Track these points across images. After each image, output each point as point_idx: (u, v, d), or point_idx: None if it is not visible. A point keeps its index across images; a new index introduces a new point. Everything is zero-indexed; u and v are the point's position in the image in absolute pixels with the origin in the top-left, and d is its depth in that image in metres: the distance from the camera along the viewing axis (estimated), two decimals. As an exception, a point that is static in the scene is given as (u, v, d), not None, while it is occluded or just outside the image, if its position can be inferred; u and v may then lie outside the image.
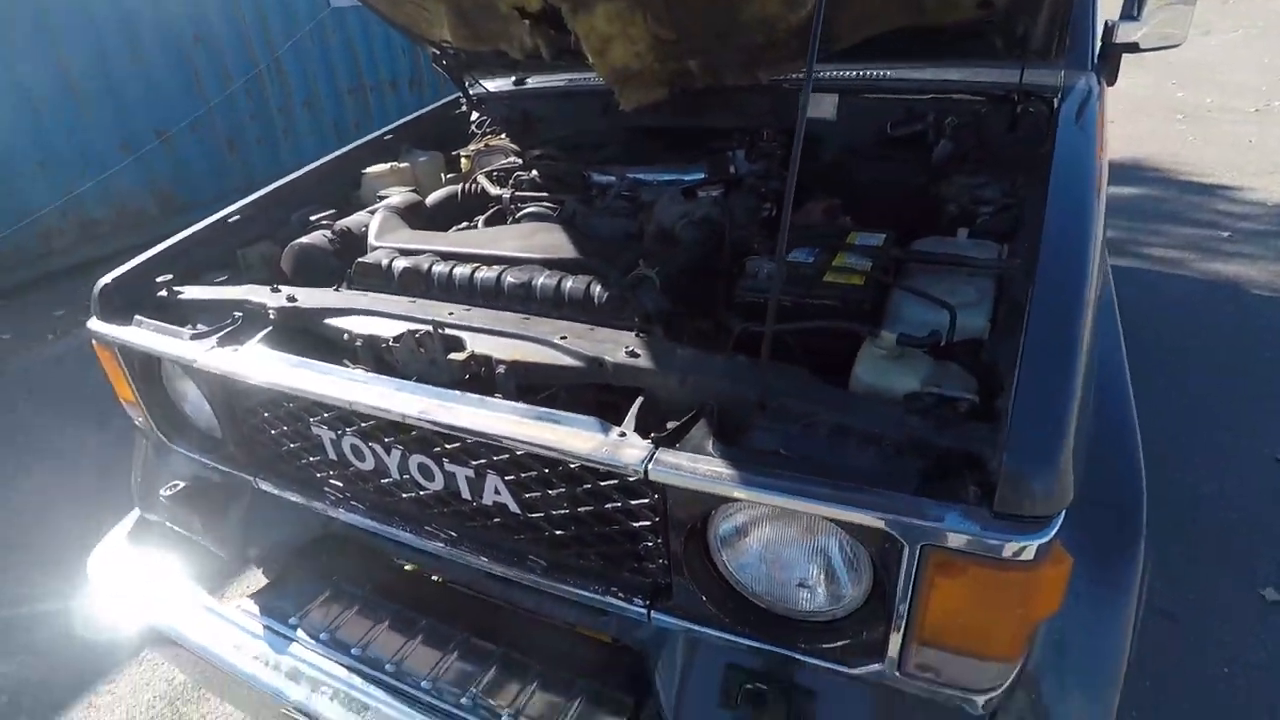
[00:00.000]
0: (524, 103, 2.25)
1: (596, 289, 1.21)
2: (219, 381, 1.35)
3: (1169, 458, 2.59)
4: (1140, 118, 7.32)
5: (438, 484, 1.17)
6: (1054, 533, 0.76)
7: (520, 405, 1.04)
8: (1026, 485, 0.76)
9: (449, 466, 1.14)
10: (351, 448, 1.24)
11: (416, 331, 1.16)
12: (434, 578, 1.54)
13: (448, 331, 1.17)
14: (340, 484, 1.34)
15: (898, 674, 0.90)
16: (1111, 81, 2.01)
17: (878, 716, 0.97)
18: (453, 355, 1.13)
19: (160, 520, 1.67)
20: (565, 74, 2.20)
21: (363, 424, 1.20)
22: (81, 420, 3.60)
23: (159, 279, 1.52)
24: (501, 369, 1.12)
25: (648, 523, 1.02)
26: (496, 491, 1.12)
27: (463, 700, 1.24)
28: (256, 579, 1.88)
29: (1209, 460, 2.61)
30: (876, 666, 0.91)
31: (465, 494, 1.15)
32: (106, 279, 1.53)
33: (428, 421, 1.07)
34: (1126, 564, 0.92)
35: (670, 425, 0.97)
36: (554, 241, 1.40)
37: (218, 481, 1.54)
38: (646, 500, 0.99)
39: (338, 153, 2.03)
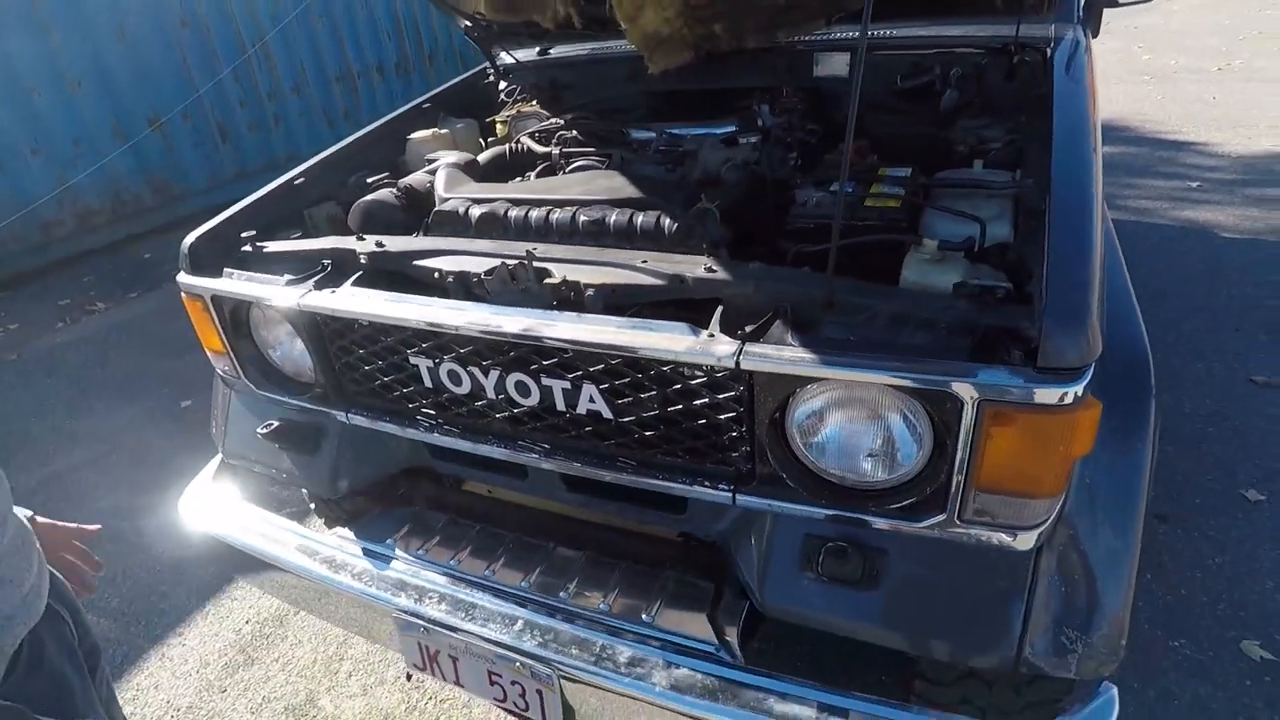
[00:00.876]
0: (551, 71, 2.38)
1: (666, 221, 1.36)
2: (316, 322, 1.48)
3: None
4: (1111, 80, 7.55)
5: (533, 399, 1.32)
6: (1087, 380, 0.93)
7: (616, 318, 1.20)
8: (1064, 343, 0.93)
9: (546, 381, 1.29)
10: (449, 373, 1.38)
11: (509, 263, 1.31)
12: (511, 500, 1.71)
13: (536, 263, 1.31)
14: (434, 411, 1.48)
15: (958, 521, 1.08)
16: (1095, 33, 2.20)
17: (936, 564, 1.14)
18: (547, 281, 1.27)
19: (245, 464, 1.80)
20: (590, 43, 2.33)
21: (461, 349, 1.34)
22: (113, 397, 3.70)
23: (243, 234, 1.64)
24: (590, 291, 1.27)
25: (733, 414, 1.18)
26: (591, 400, 1.27)
27: (560, 594, 1.40)
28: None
29: (1191, 383, 2.84)
30: (939, 518, 1.09)
31: (560, 406, 1.30)
32: (192, 236, 1.64)
33: (531, 338, 1.22)
34: (1140, 414, 1.10)
35: (749, 328, 1.13)
36: (615, 185, 1.55)
37: (306, 422, 1.67)
38: (733, 393, 1.15)
39: (382, 120, 2.15)
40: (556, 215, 1.44)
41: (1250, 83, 7.17)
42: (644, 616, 1.33)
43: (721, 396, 1.17)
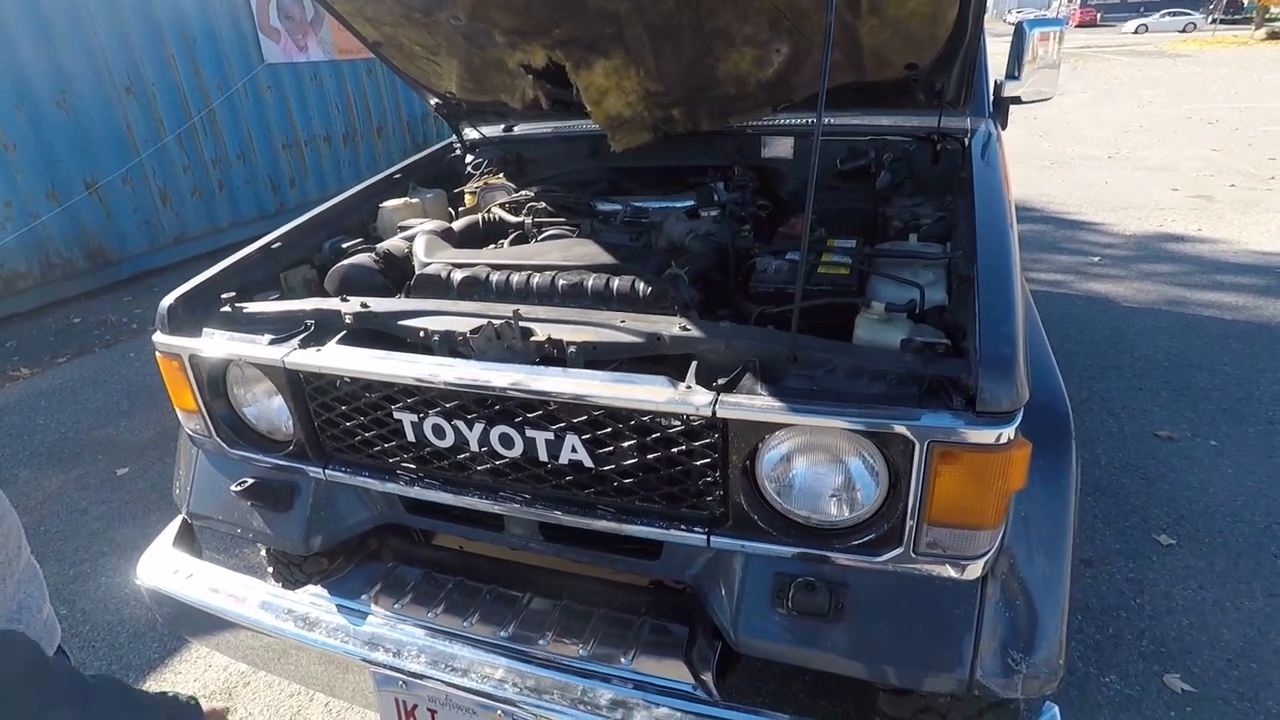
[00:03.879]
0: (517, 146, 2.53)
1: (640, 285, 1.48)
2: (299, 380, 1.53)
3: (1071, 439, 3.07)
4: (1016, 166, 8.29)
5: (516, 450, 1.39)
6: (1018, 422, 1.08)
7: (600, 372, 1.30)
8: (997, 389, 1.08)
9: (530, 433, 1.37)
10: (433, 427, 1.44)
11: (495, 322, 1.40)
12: (484, 554, 1.74)
13: (521, 323, 1.41)
14: (414, 465, 1.53)
15: (913, 555, 1.19)
16: (1004, 125, 2.51)
17: (894, 596, 1.25)
18: (531, 339, 1.37)
19: (211, 524, 1.78)
20: (553, 121, 2.50)
21: (446, 404, 1.41)
22: (42, 465, 3.53)
23: (223, 295, 1.68)
24: (573, 348, 1.37)
25: (708, 460, 1.28)
26: (573, 450, 1.35)
27: (539, 642, 1.44)
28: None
29: (1104, 437, 3.10)
30: (897, 551, 1.20)
31: (543, 456, 1.38)
32: (170, 297, 1.67)
33: (520, 391, 1.31)
34: (1064, 453, 1.25)
35: (722, 380, 1.25)
36: (590, 252, 1.67)
37: (279, 479, 1.68)
38: (708, 440, 1.26)
39: (356, 189, 2.24)
40: (537, 279, 1.55)
41: (1137, 170, 8.02)
42: (622, 661, 1.38)
43: (697, 444, 1.27)
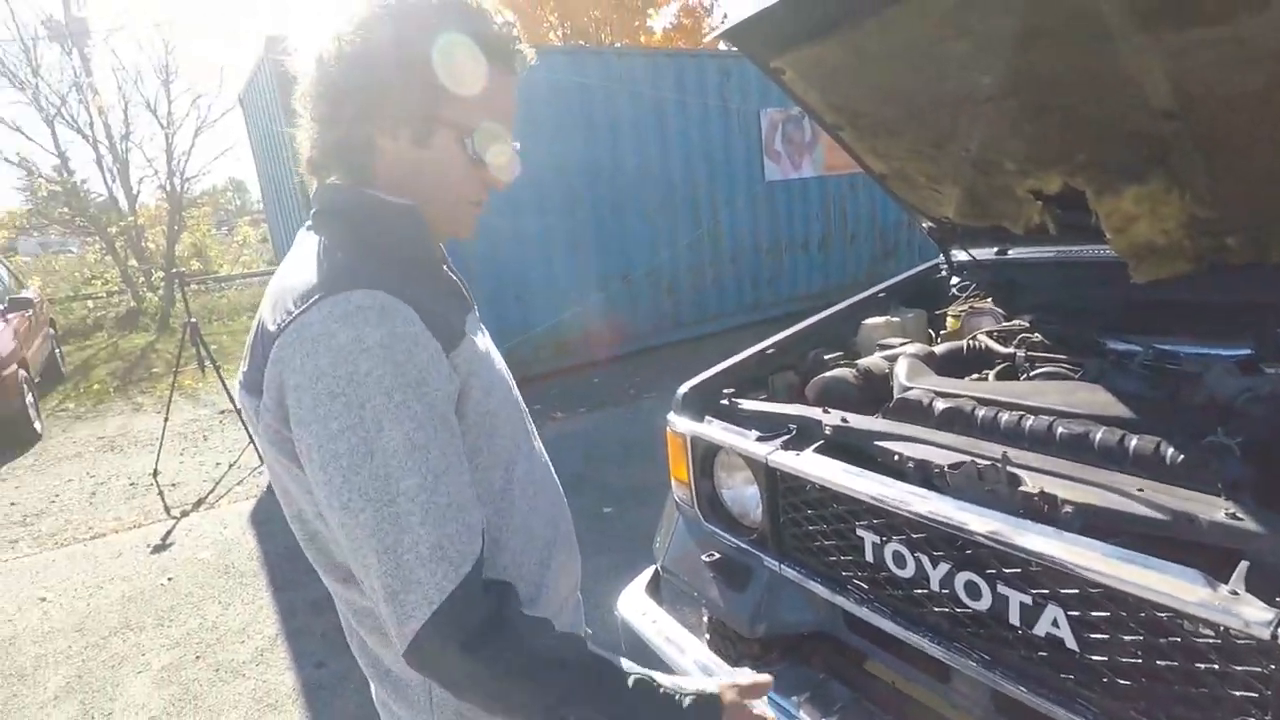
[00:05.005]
0: (1009, 270, 2.41)
1: (1168, 450, 1.26)
2: (775, 477, 1.68)
3: None
4: None
5: (983, 604, 1.29)
6: None
7: (1105, 544, 1.13)
8: None
9: (1002, 589, 1.26)
10: (894, 554, 1.44)
11: (979, 462, 1.34)
12: (919, 698, 1.64)
13: (1009, 467, 1.32)
14: (866, 585, 1.53)
15: None
16: None
17: None
18: (1022, 489, 1.27)
19: (677, 580, 2.06)
20: (1057, 246, 2.32)
21: (912, 534, 1.39)
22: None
23: (724, 390, 1.97)
24: (1069, 508, 1.23)
25: (1253, 694, 1.00)
26: (1054, 624, 1.19)
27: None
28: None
29: None
30: None
31: (1014, 620, 1.25)
32: (685, 386, 2.02)
33: (998, 542, 1.22)
34: None
35: (1289, 596, 0.97)
36: (1098, 399, 1.49)
37: (739, 560, 1.87)
38: (1257, 669, 0.98)
39: (842, 304, 2.41)
40: (1030, 422, 1.44)
41: None
42: None
43: (1237, 669, 1.01)
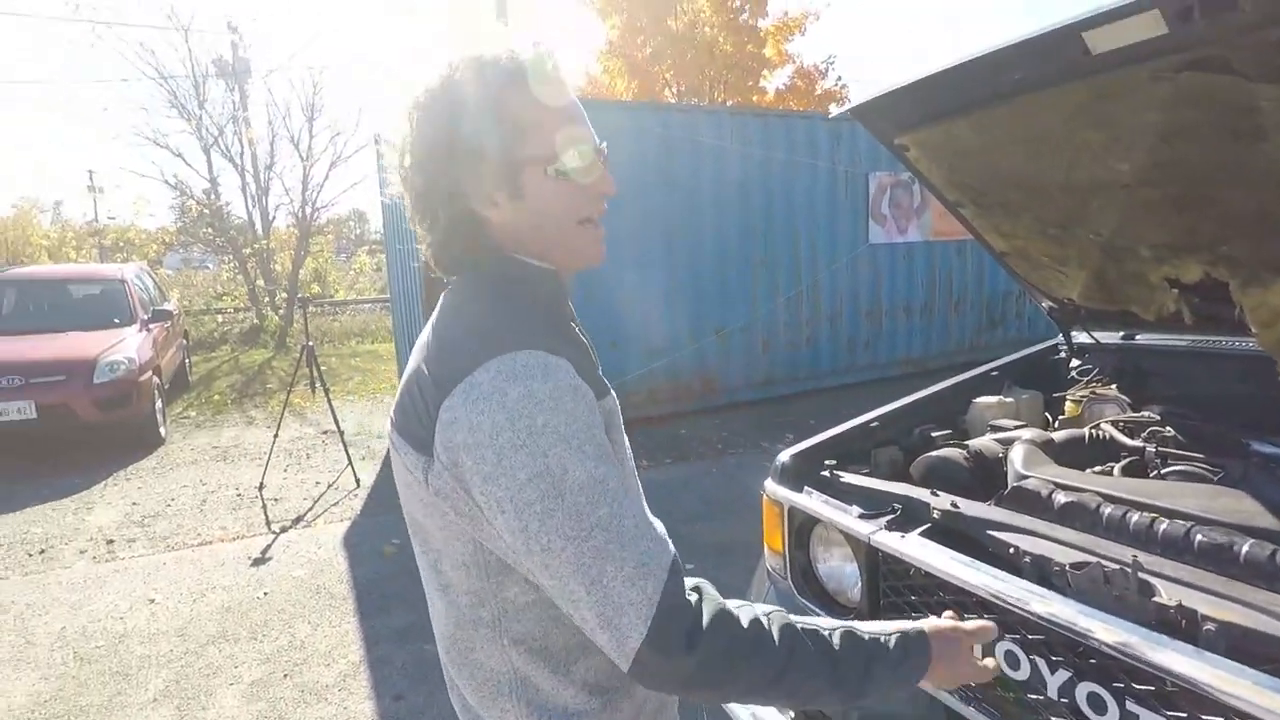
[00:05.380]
0: (1136, 356, 2.29)
1: (1328, 572, 1.16)
2: (877, 557, 1.64)
3: None
4: None
5: (1108, 719, 1.21)
6: None
7: (1255, 671, 1.04)
8: None
9: (1131, 708, 1.17)
10: (1006, 654, 1.37)
11: (1106, 565, 1.27)
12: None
13: (1141, 574, 1.24)
14: (975, 683, 1.46)
15: None
16: None
17: None
18: (1156, 599, 1.19)
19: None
20: (1192, 334, 2.19)
21: (1027, 634, 1.32)
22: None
23: (826, 461, 1.94)
24: (1210, 625, 1.14)
25: None
26: (1190, 752, 1.10)
27: None
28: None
29: None
30: None
31: (1142, 741, 1.16)
32: (786, 454, 2.01)
33: (1129, 656, 1.14)
34: None
35: None
36: (1244, 507, 1.38)
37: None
38: None
39: (952, 380, 2.35)
40: (1164, 526, 1.35)
41: None
42: None
43: None
